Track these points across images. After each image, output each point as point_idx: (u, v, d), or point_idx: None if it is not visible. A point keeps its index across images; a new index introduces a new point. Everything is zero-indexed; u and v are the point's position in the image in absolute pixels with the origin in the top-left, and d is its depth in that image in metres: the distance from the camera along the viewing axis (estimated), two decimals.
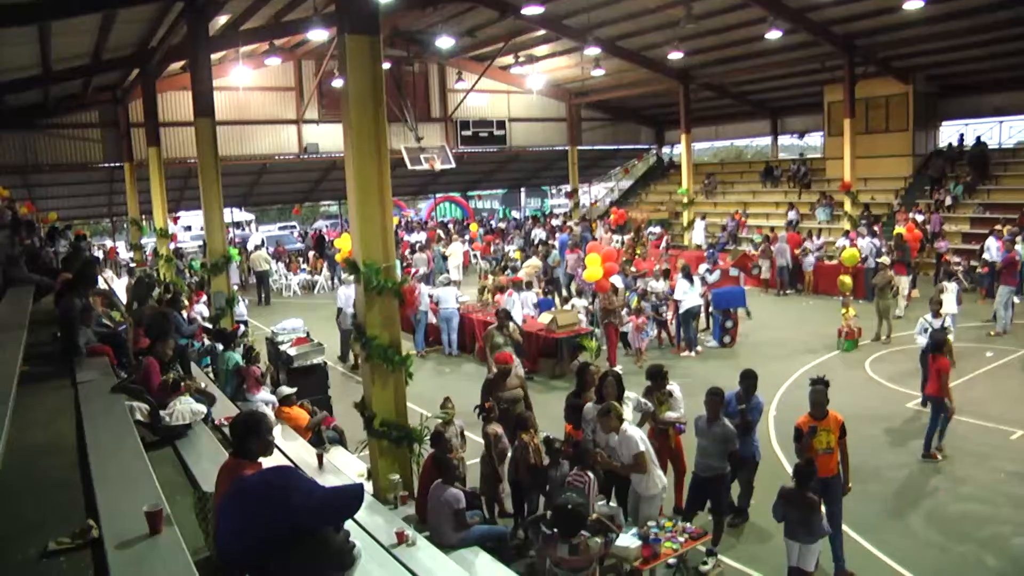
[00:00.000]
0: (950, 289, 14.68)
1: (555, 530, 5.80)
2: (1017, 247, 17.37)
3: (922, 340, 11.61)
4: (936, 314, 12.03)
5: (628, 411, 8.12)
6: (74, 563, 3.53)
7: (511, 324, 12.78)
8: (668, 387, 8.75)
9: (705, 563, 7.43)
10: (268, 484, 1.73)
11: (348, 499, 1.76)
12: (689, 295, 15.35)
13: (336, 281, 20.11)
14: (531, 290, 16.88)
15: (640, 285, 16.47)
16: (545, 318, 14.86)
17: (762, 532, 8.16)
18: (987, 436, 10.47)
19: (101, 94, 23.71)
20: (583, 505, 5.87)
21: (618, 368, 13.93)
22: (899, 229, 20.73)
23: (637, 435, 7.42)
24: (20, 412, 5.15)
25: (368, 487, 8.19)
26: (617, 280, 15.32)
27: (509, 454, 8.28)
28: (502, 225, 36.86)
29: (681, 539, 6.76)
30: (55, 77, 18.52)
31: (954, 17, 19.97)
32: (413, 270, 20.88)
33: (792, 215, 26.55)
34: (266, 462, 4.67)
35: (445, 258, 24.80)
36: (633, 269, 17.91)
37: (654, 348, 15.72)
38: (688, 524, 7.14)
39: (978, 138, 25.74)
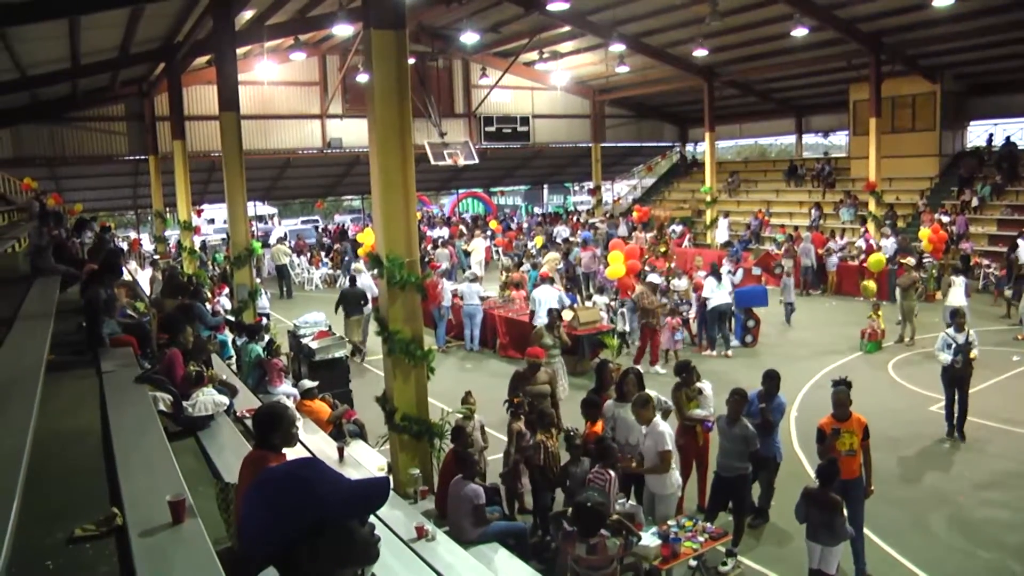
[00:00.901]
0: (957, 283, 14.80)
1: (575, 528, 5.79)
2: None
3: (945, 357, 10.54)
4: (960, 327, 10.70)
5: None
6: (99, 550, 3.56)
7: (559, 325, 12.71)
8: (699, 384, 8.72)
9: (725, 564, 7.40)
10: (294, 475, 1.72)
11: (374, 492, 1.75)
12: (717, 293, 15.17)
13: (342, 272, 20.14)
14: (552, 284, 16.70)
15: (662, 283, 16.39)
16: (567, 315, 14.85)
17: (783, 533, 8.11)
18: (1013, 441, 10.35)
19: (127, 87, 23.91)
20: (603, 504, 5.85)
21: (658, 367, 13.92)
22: (924, 230, 20.51)
23: (667, 431, 7.40)
24: (46, 400, 5.21)
25: (390, 481, 8.21)
26: (656, 278, 15.05)
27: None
28: (525, 223, 36.77)
29: (701, 539, 6.72)
30: (84, 71, 18.72)
31: (984, 14, 19.65)
32: (436, 265, 20.92)
33: (814, 214, 26.32)
34: (290, 454, 4.69)
35: (467, 254, 24.83)
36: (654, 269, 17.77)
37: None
38: (709, 524, 7.10)
39: (1007, 138, 25.41)
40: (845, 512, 6.64)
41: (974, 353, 10.54)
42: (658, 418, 7.49)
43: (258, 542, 1.67)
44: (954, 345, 10.48)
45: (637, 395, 7.77)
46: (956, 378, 10.51)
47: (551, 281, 16.56)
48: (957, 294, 14.80)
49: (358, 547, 1.72)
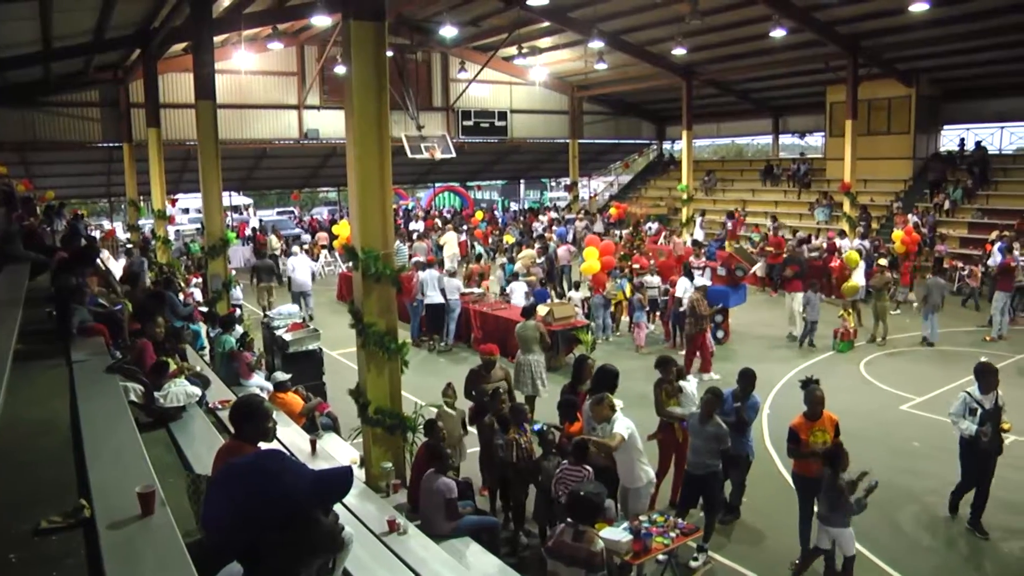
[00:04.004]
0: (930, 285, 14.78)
1: (569, 519, 5.77)
2: (1015, 253, 17.44)
3: (967, 426, 7.93)
4: (988, 387, 7.96)
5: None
6: (65, 542, 3.52)
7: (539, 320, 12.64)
8: (680, 382, 8.75)
9: (695, 559, 7.46)
10: (258, 467, 1.72)
11: (337, 481, 1.76)
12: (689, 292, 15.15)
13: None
14: (521, 280, 17.25)
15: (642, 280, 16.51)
16: (542, 310, 14.86)
17: (753, 530, 8.19)
18: None
19: (102, 73, 23.59)
20: (598, 495, 5.85)
21: (713, 374, 13.68)
22: (898, 232, 20.73)
23: (624, 424, 7.42)
24: (13, 390, 5.13)
25: (360, 474, 8.19)
26: (704, 280, 14.74)
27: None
28: (500, 218, 36.81)
29: (672, 535, 6.74)
30: (56, 54, 18.43)
31: (960, 20, 19.92)
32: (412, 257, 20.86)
33: (771, 224, 26.18)
34: (265, 447, 4.67)
35: (440, 248, 24.77)
36: (637, 267, 17.82)
37: (654, 344, 15.69)
38: (680, 520, 7.14)
39: (978, 143, 25.77)
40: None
41: (1007, 422, 8.04)
42: (617, 414, 7.51)
43: (222, 533, 1.67)
44: (980, 411, 7.90)
45: (595, 395, 7.82)
46: (981, 455, 7.95)
47: (516, 276, 16.79)
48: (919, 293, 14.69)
49: (323, 537, 1.72)
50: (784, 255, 20.19)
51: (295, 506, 1.66)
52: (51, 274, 8.71)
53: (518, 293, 16.53)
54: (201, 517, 1.87)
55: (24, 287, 8.29)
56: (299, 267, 18.61)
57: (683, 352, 14.69)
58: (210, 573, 1.80)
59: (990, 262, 18.60)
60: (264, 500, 1.63)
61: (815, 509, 7.14)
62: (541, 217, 31.28)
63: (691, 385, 8.87)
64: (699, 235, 26.46)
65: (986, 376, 8.01)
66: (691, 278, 15.36)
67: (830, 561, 7.06)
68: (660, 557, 6.83)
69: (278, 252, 25.92)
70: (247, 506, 1.64)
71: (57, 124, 24.06)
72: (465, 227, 30.45)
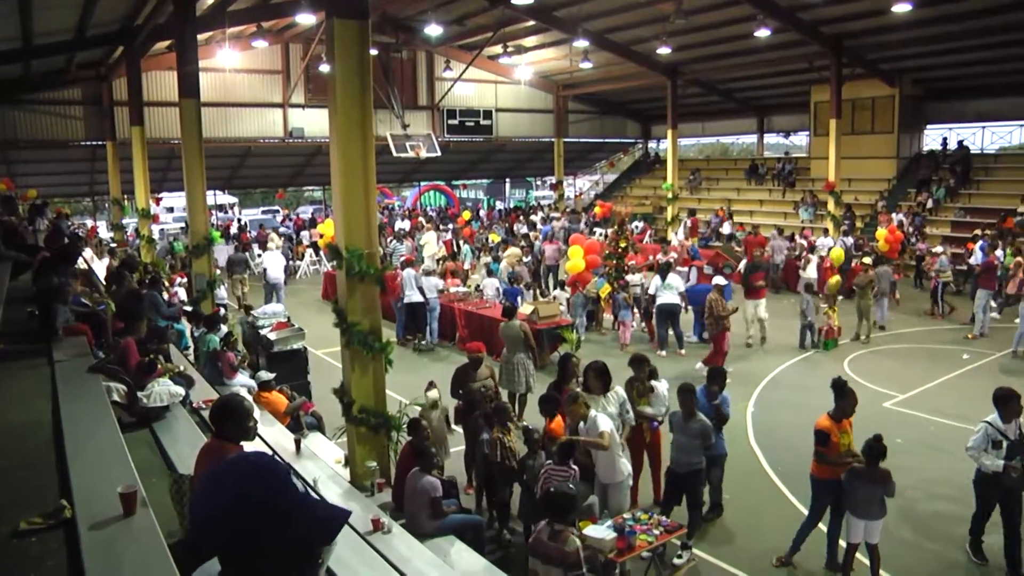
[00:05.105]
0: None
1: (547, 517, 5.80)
2: (997, 252, 17.60)
3: (992, 462, 6.96)
4: (1011, 414, 7.00)
5: (612, 406, 8.13)
6: (45, 543, 3.50)
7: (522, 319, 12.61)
8: (653, 383, 8.76)
9: (680, 556, 7.49)
10: (260, 466, 1.69)
11: (333, 517, 1.71)
12: (663, 293, 15.05)
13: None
14: (493, 277, 17.66)
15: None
16: (526, 309, 14.87)
17: (736, 527, 8.23)
18: (960, 436, 10.49)
19: (85, 71, 23.43)
20: (570, 493, 5.85)
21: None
22: (881, 230, 20.86)
23: (602, 420, 7.44)
24: None
25: (345, 473, 8.19)
26: (720, 280, 14.49)
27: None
28: (486, 218, 36.79)
29: (656, 532, 6.77)
30: (37, 52, 18.27)
31: (942, 21, 20.10)
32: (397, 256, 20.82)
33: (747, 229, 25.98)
34: (247, 447, 4.66)
35: (420, 247, 24.67)
36: (632, 263, 17.77)
37: (639, 342, 15.71)
38: (664, 517, 7.17)
39: (960, 142, 26.00)
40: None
41: None
42: (593, 411, 7.54)
43: (208, 530, 1.64)
44: (1005, 443, 6.99)
45: (569, 394, 7.85)
46: (1006, 493, 7.03)
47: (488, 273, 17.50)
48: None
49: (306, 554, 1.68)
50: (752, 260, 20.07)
51: (287, 522, 1.62)
52: (33, 274, 8.65)
53: (490, 288, 16.95)
54: (189, 510, 1.83)
55: (5, 286, 8.23)
56: (272, 262, 19.71)
57: (661, 352, 14.73)
58: (191, 572, 1.79)
59: (971, 260, 18.75)
60: (258, 501, 1.61)
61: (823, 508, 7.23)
62: (533, 217, 31.25)
63: (663, 386, 8.86)
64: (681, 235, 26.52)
65: (1008, 403, 7.02)
66: (663, 277, 15.28)
67: (832, 551, 7.26)
68: (644, 554, 6.86)
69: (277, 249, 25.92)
70: (239, 504, 1.61)
71: (39, 122, 23.88)
72: (451, 226, 30.39)
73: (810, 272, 18.48)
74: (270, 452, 6.27)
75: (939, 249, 19.28)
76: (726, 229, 26.96)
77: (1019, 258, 17.10)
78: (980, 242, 19.02)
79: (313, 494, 1.72)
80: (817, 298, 15.84)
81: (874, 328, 15.94)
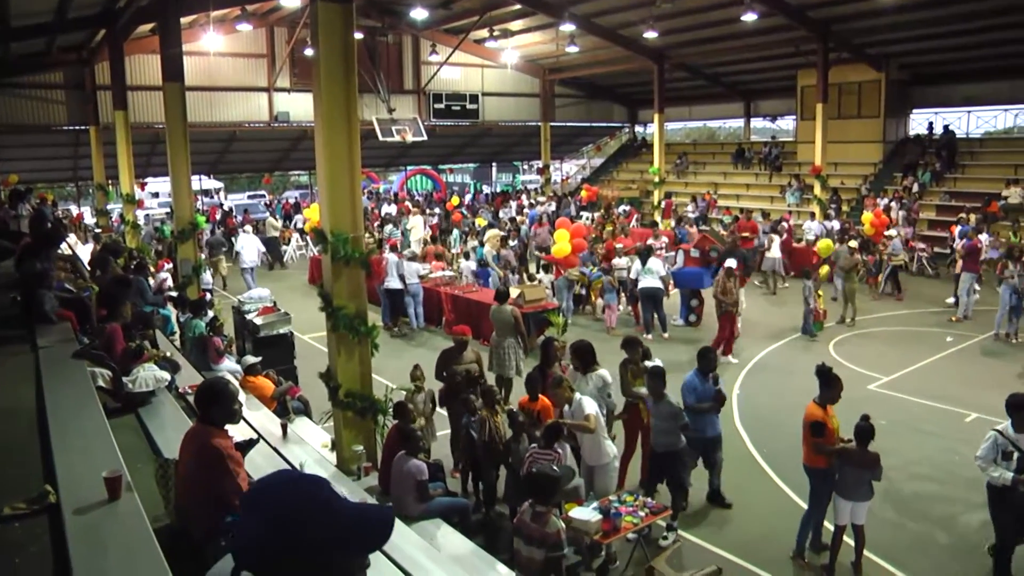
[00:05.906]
0: None
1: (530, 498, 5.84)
2: (980, 235, 17.71)
3: (1001, 475, 6.47)
4: (1022, 423, 6.53)
5: (590, 385, 8.20)
6: (29, 528, 3.50)
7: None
8: (647, 363, 8.79)
9: (665, 538, 7.54)
10: (305, 490, 1.66)
11: (379, 526, 1.69)
12: (645, 277, 15.08)
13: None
14: (469, 260, 18.11)
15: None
16: (513, 292, 14.86)
17: (722, 509, 8.29)
18: (943, 418, 10.69)
19: (66, 54, 23.10)
20: (551, 475, 5.89)
21: (731, 358, 13.64)
22: (867, 214, 20.92)
23: (587, 403, 7.49)
24: None
25: (331, 457, 8.19)
26: (732, 263, 14.42)
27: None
28: (471, 202, 36.74)
29: (642, 514, 6.81)
30: (16, 34, 18.00)
31: (929, 6, 20.20)
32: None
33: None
34: (232, 430, 4.66)
35: (406, 232, 24.59)
36: (620, 246, 17.77)
37: (625, 325, 15.75)
38: (649, 499, 7.21)
39: (946, 127, 26.13)
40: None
41: None
42: (577, 395, 7.59)
43: (253, 548, 1.61)
44: (1016, 455, 6.50)
45: (553, 378, 7.89)
46: (1021, 507, 6.44)
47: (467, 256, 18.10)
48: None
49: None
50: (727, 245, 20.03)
51: (332, 544, 1.60)
52: (15, 260, 8.59)
53: (466, 271, 17.46)
54: (236, 529, 1.80)
55: None
56: (247, 244, 20.53)
57: (647, 336, 14.72)
58: (179, 557, 1.79)
59: (955, 244, 18.87)
60: (305, 525, 1.58)
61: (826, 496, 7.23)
62: (525, 199, 31.26)
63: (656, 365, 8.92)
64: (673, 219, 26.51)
65: (1021, 411, 6.56)
66: (644, 261, 15.32)
67: (817, 533, 7.31)
68: (630, 536, 6.90)
69: (277, 234, 26.04)
70: (286, 527, 1.59)
71: (20, 106, 23.63)
72: (438, 210, 30.33)
73: (774, 251, 19.14)
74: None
75: (892, 232, 19.46)
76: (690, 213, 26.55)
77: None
78: (960, 226, 19.14)
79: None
80: (815, 283, 15.85)
81: (832, 300, 16.11)
